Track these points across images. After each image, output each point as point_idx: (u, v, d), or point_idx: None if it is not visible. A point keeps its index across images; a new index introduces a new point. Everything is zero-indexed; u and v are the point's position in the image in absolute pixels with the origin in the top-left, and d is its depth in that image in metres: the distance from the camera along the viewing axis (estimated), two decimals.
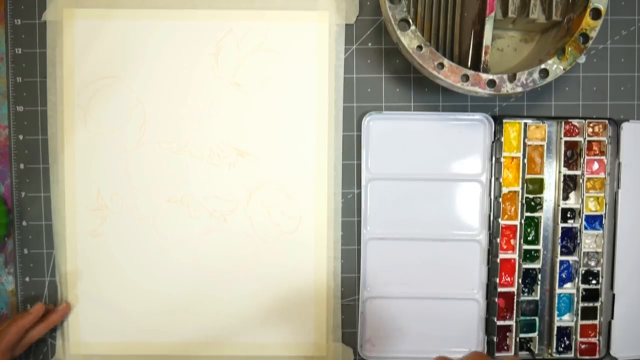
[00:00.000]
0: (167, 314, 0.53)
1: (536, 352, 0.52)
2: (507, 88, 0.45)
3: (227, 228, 0.52)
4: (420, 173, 0.52)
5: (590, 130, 0.52)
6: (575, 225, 0.52)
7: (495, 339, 0.52)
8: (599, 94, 0.53)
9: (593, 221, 0.52)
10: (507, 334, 0.52)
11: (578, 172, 0.52)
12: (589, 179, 0.52)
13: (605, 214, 0.52)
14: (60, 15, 0.51)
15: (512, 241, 0.52)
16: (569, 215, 0.52)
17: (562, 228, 0.52)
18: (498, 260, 0.51)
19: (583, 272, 0.52)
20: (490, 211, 0.52)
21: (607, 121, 0.52)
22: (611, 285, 0.52)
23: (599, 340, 0.52)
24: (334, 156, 0.52)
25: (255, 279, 0.53)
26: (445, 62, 0.45)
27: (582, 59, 0.45)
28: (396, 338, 0.53)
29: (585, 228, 0.52)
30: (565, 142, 0.52)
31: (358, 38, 0.53)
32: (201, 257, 0.53)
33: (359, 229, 0.53)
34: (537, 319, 0.52)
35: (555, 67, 0.45)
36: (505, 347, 0.52)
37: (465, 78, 0.45)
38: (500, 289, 0.52)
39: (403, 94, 0.53)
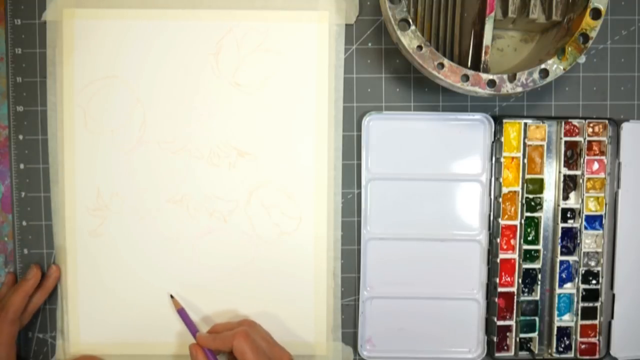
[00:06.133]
0: (167, 314, 0.53)
1: (536, 352, 0.52)
2: (507, 88, 0.45)
3: (227, 228, 0.53)
4: (420, 173, 0.52)
5: (590, 130, 0.52)
6: (575, 225, 0.52)
7: (495, 339, 0.52)
8: (599, 94, 0.53)
9: (593, 221, 0.52)
10: (507, 334, 0.52)
11: (578, 172, 0.52)
12: (589, 179, 0.52)
13: (605, 214, 0.52)
14: (60, 15, 0.51)
15: (512, 241, 0.52)
16: (569, 215, 0.52)
17: (562, 228, 0.52)
18: (498, 260, 0.52)
19: (583, 272, 0.52)
20: (490, 211, 0.52)
21: (607, 121, 0.52)
22: (611, 285, 0.52)
23: (599, 340, 0.52)
24: (334, 156, 0.52)
25: (255, 279, 0.53)
26: (445, 62, 0.45)
27: (582, 59, 0.45)
28: (396, 338, 0.53)
29: (585, 228, 0.52)
30: (565, 142, 0.52)
31: (358, 38, 0.53)
32: (201, 257, 0.53)
33: (359, 229, 0.53)
34: (537, 319, 0.52)
35: (555, 67, 0.45)
36: (505, 347, 0.52)
37: (465, 78, 0.45)
38: (500, 289, 0.52)
39: (403, 94, 0.53)
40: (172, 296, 0.52)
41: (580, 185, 0.52)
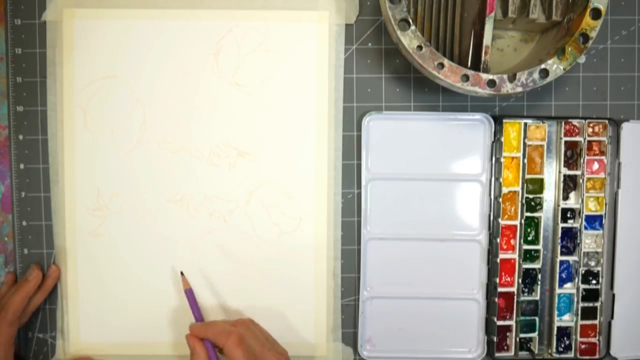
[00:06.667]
0: (167, 314, 0.53)
1: (536, 352, 0.52)
2: (507, 88, 0.45)
3: (227, 228, 0.53)
4: (420, 173, 0.52)
5: (590, 130, 0.52)
6: (575, 225, 0.52)
7: (495, 339, 0.52)
8: (599, 94, 0.53)
9: (593, 221, 0.52)
10: (507, 334, 0.52)
11: (578, 172, 0.52)
12: (589, 179, 0.52)
13: (605, 214, 0.52)
14: (60, 15, 0.51)
15: (512, 241, 0.52)
16: (569, 215, 0.52)
17: (562, 228, 0.52)
18: (498, 260, 0.52)
19: (583, 272, 0.52)
20: (490, 211, 0.52)
21: (607, 121, 0.52)
22: (611, 285, 0.52)
23: (599, 340, 0.52)
24: (334, 156, 0.52)
25: (255, 279, 0.53)
26: (445, 62, 0.45)
27: (582, 59, 0.45)
28: (396, 338, 0.53)
29: (585, 228, 0.52)
30: (565, 142, 0.52)
31: (358, 38, 0.53)
32: (201, 257, 0.53)
33: (359, 229, 0.53)
34: (537, 319, 0.52)
35: (555, 67, 0.45)
36: (505, 347, 0.52)
37: (465, 78, 0.45)
38: (500, 289, 0.52)
39: (403, 94, 0.53)
40: (182, 273, 0.51)
41: (580, 185, 0.52)
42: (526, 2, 0.48)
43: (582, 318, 0.52)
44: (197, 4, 0.52)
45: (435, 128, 0.52)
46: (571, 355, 0.53)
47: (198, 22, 0.52)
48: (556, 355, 0.52)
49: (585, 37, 0.45)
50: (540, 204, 0.52)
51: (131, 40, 0.52)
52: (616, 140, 0.52)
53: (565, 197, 0.52)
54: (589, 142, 0.52)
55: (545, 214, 0.52)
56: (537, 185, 0.52)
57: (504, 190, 0.51)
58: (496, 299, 0.52)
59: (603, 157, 0.52)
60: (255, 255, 0.53)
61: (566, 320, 0.53)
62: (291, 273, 0.53)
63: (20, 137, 0.53)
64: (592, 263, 0.52)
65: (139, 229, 0.52)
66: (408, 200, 0.52)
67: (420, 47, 0.44)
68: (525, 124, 0.51)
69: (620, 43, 0.53)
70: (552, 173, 0.52)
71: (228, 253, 0.53)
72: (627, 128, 0.52)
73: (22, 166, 0.53)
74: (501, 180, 0.51)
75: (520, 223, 0.52)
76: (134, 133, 0.52)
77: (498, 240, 0.52)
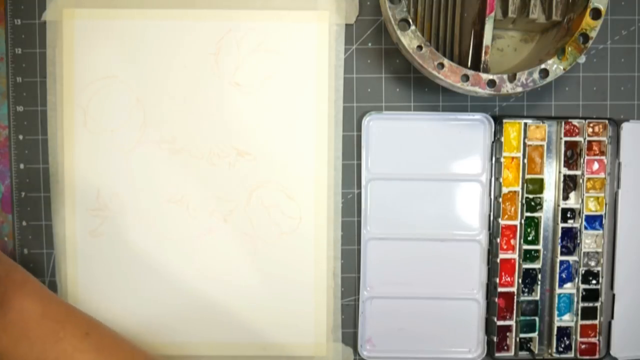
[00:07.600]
0: (167, 315, 0.53)
1: (536, 352, 0.52)
2: (507, 88, 0.45)
3: (227, 228, 0.53)
4: (420, 173, 0.52)
5: (590, 130, 0.52)
6: (575, 225, 0.52)
7: (495, 339, 0.52)
8: (599, 94, 0.53)
9: (593, 221, 0.52)
10: (507, 334, 0.52)
11: (578, 172, 0.52)
12: (589, 179, 0.52)
13: (605, 214, 0.52)
14: (60, 15, 0.51)
15: (512, 241, 0.52)
16: (569, 215, 0.52)
17: (562, 228, 0.52)
18: (498, 260, 0.51)
19: (583, 272, 0.52)
20: (490, 211, 0.52)
21: (607, 121, 0.52)
22: (611, 285, 0.52)
23: (599, 340, 0.52)
24: (334, 156, 0.52)
25: (255, 279, 0.53)
26: (445, 62, 0.45)
27: (582, 59, 0.45)
28: (396, 338, 0.53)
29: (585, 228, 0.52)
30: (565, 142, 0.52)
31: (358, 38, 0.53)
32: (201, 257, 0.53)
33: (359, 229, 0.53)
34: (537, 319, 0.52)
35: (555, 67, 0.45)
36: (505, 347, 0.52)
37: (465, 78, 0.45)
38: (500, 289, 0.52)
39: (403, 94, 0.53)
40: None
41: (580, 185, 0.52)
42: (526, 2, 0.48)
43: (582, 318, 0.52)
44: (197, 3, 0.52)
45: (435, 128, 0.52)
46: (571, 355, 0.53)
47: (198, 22, 0.52)
48: (556, 355, 0.52)
49: (585, 37, 0.45)
50: (540, 204, 0.52)
51: (131, 40, 0.52)
52: (616, 140, 0.52)
53: (565, 197, 0.52)
54: (589, 142, 0.52)
55: (545, 214, 0.52)
56: (537, 185, 0.52)
57: (504, 190, 0.51)
58: (496, 299, 0.52)
59: (603, 157, 0.52)
60: (255, 255, 0.53)
61: (566, 320, 0.53)
62: (291, 273, 0.53)
63: (20, 137, 0.53)
64: (592, 263, 0.52)
65: (139, 229, 0.52)
66: (408, 200, 0.52)
67: (420, 47, 0.44)
68: (525, 124, 0.51)
69: (620, 43, 0.53)
70: (552, 173, 0.52)
71: (228, 253, 0.53)
72: (627, 128, 0.52)
73: (22, 166, 0.53)
74: (501, 180, 0.51)
75: (520, 223, 0.52)
76: (133, 133, 0.52)
77: (498, 240, 0.52)
